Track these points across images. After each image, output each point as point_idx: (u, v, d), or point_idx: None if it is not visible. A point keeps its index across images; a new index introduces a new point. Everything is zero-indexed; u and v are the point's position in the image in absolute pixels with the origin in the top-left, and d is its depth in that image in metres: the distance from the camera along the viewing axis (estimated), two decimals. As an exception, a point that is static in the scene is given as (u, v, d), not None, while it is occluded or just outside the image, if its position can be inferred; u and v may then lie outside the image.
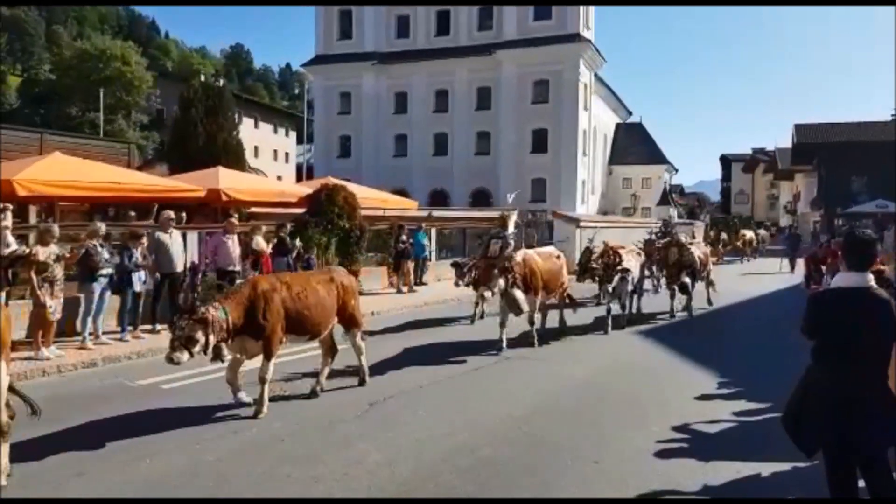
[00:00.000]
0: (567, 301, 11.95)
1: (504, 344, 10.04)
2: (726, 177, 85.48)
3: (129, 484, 5.13)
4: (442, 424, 6.64)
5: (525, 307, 9.96)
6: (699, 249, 14.94)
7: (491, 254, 9.83)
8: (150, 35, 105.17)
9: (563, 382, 8.51)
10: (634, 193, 55.58)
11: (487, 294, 9.68)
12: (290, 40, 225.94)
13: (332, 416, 6.82)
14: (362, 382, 7.99)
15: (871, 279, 3.78)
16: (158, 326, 11.21)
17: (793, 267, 26.12)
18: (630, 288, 12.64)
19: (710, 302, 15.56)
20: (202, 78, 36.56)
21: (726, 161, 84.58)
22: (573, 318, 12.30)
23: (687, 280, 13.34)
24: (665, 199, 54.11)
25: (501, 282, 9.61)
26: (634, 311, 13.70)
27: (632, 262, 12.27)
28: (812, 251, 20.78)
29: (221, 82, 36.41)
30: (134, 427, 6.41)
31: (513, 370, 9.10)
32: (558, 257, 11.53)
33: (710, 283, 15.87)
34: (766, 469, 5.55)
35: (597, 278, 11.41)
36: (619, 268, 11.35)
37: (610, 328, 11.78)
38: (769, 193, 76.95)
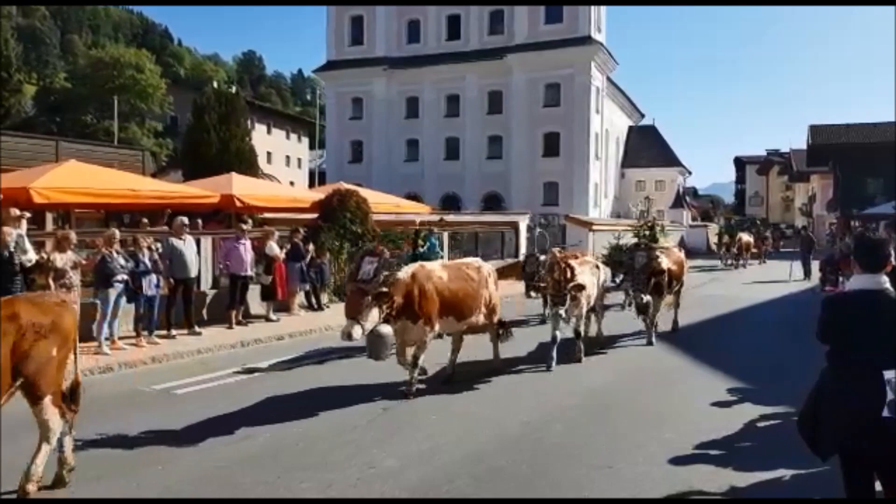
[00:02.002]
0: (498, 329, 9.27)
1: (412, 388, 7.83)
2: (740, 179, 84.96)
3: (143, 489, 5.16)
4: (455, 430, 6.64)
5: (388, 349, 7.40)
6: (671, 257, 12.08)
7: (362, 276, 7.37)
8: (163, 43, 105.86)
9: (575, 388, 8.48)
10: (647, 196, 55.32)
11: (354, 332, 7.04)
12: (302, 47, 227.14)
13: (345, 421, 6.84)
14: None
15: (885, 281, 3.74)
16: (174, 331, 11.29)
17: (807, 272, 24.12)
18: (585, 307, 9.91)
19: (675, 325, 12.54)
20: (215, 85, 36.87)
21: (740, 163, 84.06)
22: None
23: (648, 299, 10.78)
24: (678, 202, 53.89)
25: (375, 313, 7.20)
26: (594, 333, 11.21)
27: (586, 276, 9.72)
28: (828, 254, 20.64)
29: (234, 89, 36.67)
30: (148, 432, 6.45)
31: (526, 377, 9.08)
32: (478, 270, 8.86)
33: (676, 304, 12.80)
34: (780, 473, 5.51)
35: (545, 297, 9.60)
36: (571, 285, 9.00)
37: (554, 361, 9.22)
38: (784, 195, 76.41)
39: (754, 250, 32.27)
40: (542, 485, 5.31)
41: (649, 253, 11.22)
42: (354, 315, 7.09)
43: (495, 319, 9.12)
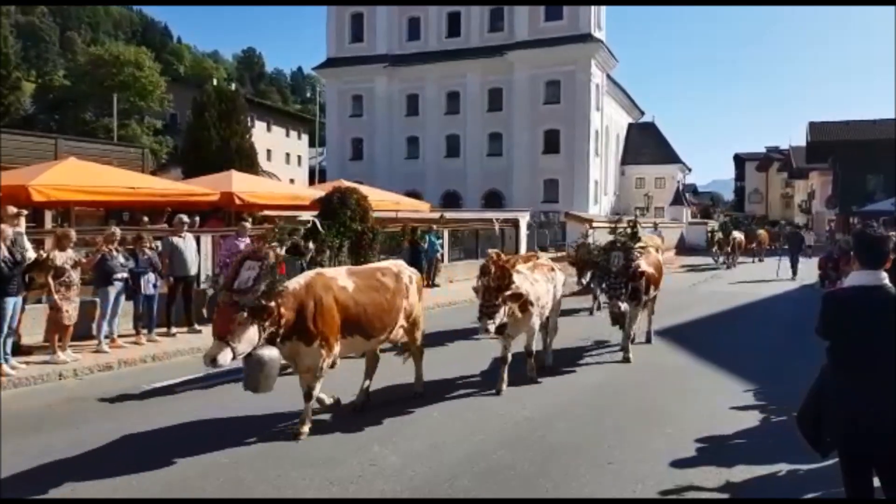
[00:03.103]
0: (405, 348, 7.88)
1: (303, 427, 6.34)
2: (740, 176, 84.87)
3: (144, 488, 5.15)
4: (457, 428, 6.63)
5: (270, 378, 5.89)
6: (648, 260, 10.49)
7: (239, 284, 5.74)
8: (163, 40, 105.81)
9: (577, 386, 8.48)
10: (647, 193, 55.36)
11: (221, 357, 5.48)
12: (302, 44, 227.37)
13: (347, 419, 6.83)
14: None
15: (884, 277, 3.74)
16: (174, 329, 11.29)
17: (794, 271, 23.54)
18: (537, 321, 8.32)
19: (648, 337, 11.17)
20: (215, 82, 36.83)
21: (740, 160, 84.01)
22: (571, 325, 12.14)
23: (624, 307, 9.37)
24: (678, 199, 53.88)
25: (253, 332, 5.65)
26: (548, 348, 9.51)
27: (538, 284, 8.26)
28: (827, 251, 20.60)
29: (234, 86, 36.67)
30: (149, 430, 6.45)
31: (527, 374, 9.06)
32: (396, 277, 7.27)
33: (651, 311, 11.36)
34: (781, 469, 5.52)
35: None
36: (506, 294, 7.34)
37: (505, 384, 7.84)
38: (783, 192, 76.36)
39: (752, 247, 31.83)
40: (545, 482, 5.31)
41: (627, 253, 9.56)
42: (223, 335, 5.53)
43: (418, 335, 7.72)
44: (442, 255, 19.74)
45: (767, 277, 23.14)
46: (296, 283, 6.29)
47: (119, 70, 53.66)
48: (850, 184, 42.46)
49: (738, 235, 29.68)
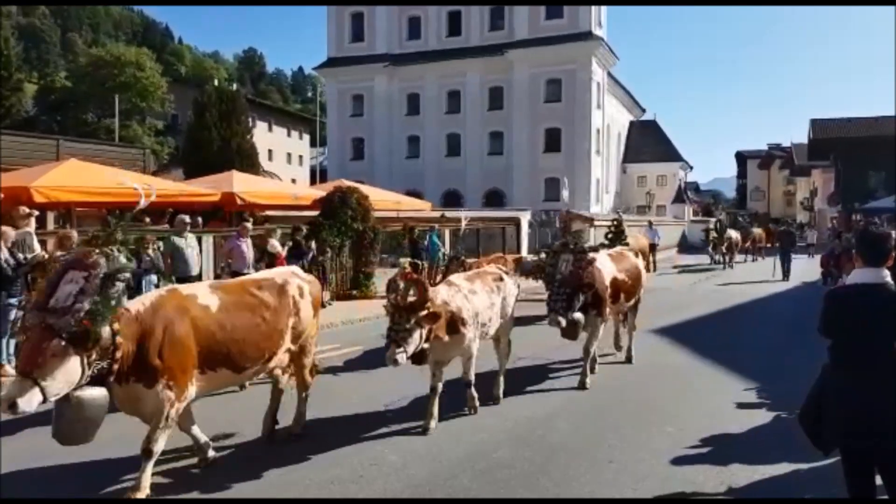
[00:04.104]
0: (299, 379, 6.39)
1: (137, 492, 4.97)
2: (742, 174, 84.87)
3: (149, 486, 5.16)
4: (458, 426, 6.64)
5: (93, 426, 4.57)
6: (621, 264, 9.21)
7: (55, 303, 4.35)
8: (163, 41, 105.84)
9: (578, 384, 8.47)
10: (649, 191, 55.34)
11: (24, 402, 4.09)
12: (303, 44, 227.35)
13: (347, 418, 6.84)
14: None
15: (886, 275, 3.74)
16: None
17: (786, 273, 22.20)
18: (475, 343, 6.83)
19: (628, 355, 9.75)
20: (216, 83, 36.83)
21: (742, 158, 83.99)
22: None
23: (578, 316, 7.86)
24: (680, 197, 53.86)
25: (74, 367, 4.27)
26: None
27: (460, 298, 6.64)
28: (829, 248, 20.55)
29: (235, 87, 36.65)
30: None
31: (529, 373, 9.06)
32: (281, 291, 5.87)
33: (632, 326, 9.99)
34: (782, 468, 5.51)
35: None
36: (419, 315, 5.84)
37: (434, 420, 6.51)
38: (785, 190, 76.33)
39: (748, 246, 30.94)
40: (545, 481, 5.31)
41: (577, 258, 8.01)
42: (29, 369, 4.15)
43: (307, 362, 6.29)
44: (443, 253, 19.73)
45: (762, 278, 22.17)
46: (140, 303, 4.91)
47: (120, 71, 53.75)
48: (851, 181, 42.38)
49: (733, 234, 28.59)
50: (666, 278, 22.58)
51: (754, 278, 22.56)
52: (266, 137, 52.08)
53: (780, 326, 13.23)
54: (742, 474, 5.42)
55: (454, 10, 49.36)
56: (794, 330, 12.11)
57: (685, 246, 38.85)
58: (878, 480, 3.74)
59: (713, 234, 28.23)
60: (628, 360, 9.68)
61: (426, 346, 6.03)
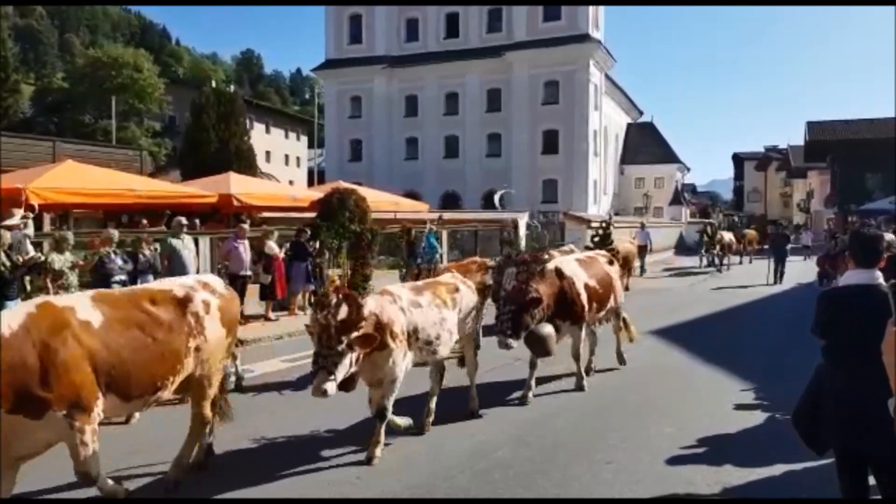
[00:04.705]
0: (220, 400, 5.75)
1: None
2: (739, 175, 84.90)
3: (143, 488, 5.16)
4: (456, 427, 6.64)
5: None
6: (591, 269, 8.43)
7: None
8: (161, 42, 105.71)
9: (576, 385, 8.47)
10: (646, 193, 55.40)
11: None
12: (301, 45, 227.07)
13: (344, 419, 6.83)
14: None
15: (879, 276, 3.75)
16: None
17: (779, 276, 21.42)
18: (399, 366, 5.82)
19: (620, 358, 9.32)
20: (213, 84, 36.84)
21: (738, 159, 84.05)
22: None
23: (548, 330, 7.18)
24: (677, 199, 53.91)
25: None
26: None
27: (396, 311, 5.86)
28: (826, 249, 20.56)
29: (233, 88, 36.68)
30: (146, 431, 6.45)
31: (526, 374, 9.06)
32: (179, 307, 5.05)
33: (620, 326, 9.40)
34: (778, 469, 5.53)
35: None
36: (351, 336, 5.13)
37: (380, 447, 5.80)
38: (782, 192, 76.37)
39: (740, 248, 29.90)
40: (544, 481, 5.31)
41: (525, 268, 7.21)
42: None
43: (209, 393, 5.29)
44: (441, 255, 19.74)
45: (755, 282, 21.24)
46: (6, 326, 4.09)
47: (118, 72, 53.69)
48: (848, 183, 42.49)
49: (726, 236, 27.62)
50: (657, 281, 22.48)
51: (747, 282, 21.52)
52: (264, 139, 52.05)
53: (778, 327, 13.24)
54: (739, 474, 5.43)
55: (452, 11, 49.38)
56: (792, 330, 12.12)
57: (682, 248, 38.87)
58: (872, 481, 3.76)
59: (706, 237, 27.53)
60: (620, 359, 9.30)
61: (354, 369, 5.27)
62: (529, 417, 7.01)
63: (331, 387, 4.99)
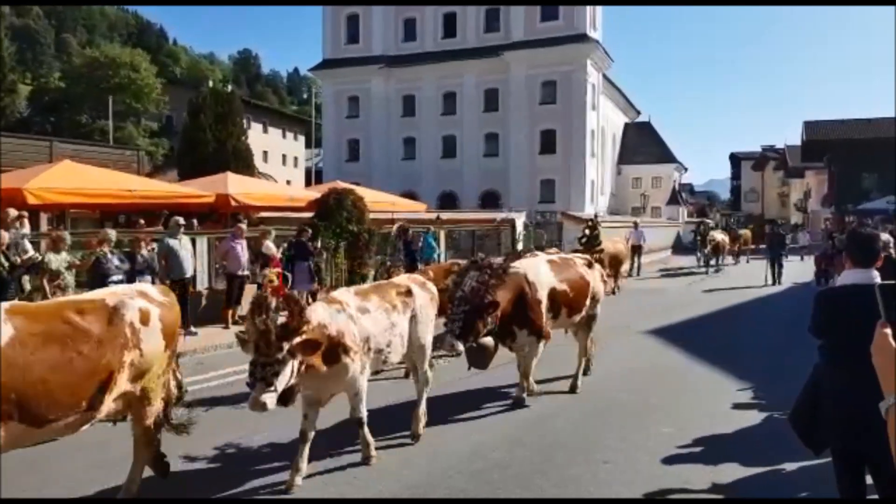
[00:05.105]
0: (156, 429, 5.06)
1: None
2: (736, 175, 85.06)
3: (142, 489, 5.14)
4: (454, 427, 6.64)
5: None
6: (560, 274, 7.75)
7: None
8: (159, 42, 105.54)
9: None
10: (644, 193, 55.46)
11: None
12: (299, 45, 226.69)
13: (341, 420, 6.82)
14: None
15: (876, 276, 3.74)
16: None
17: (777, 277, 20.98)
18: (361, 375, 5.50)
19: (573, 384, 8.18)
20: (211, 84, 36.80)
21: (736, 159, 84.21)
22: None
23: (487, 340, 6.96)
24: (675, 199, 53.97)
25: None
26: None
27: (343, 319, 5.32)
28: (823, 248, 20.57)
29: (230, 88, 36.65)
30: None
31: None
32: (113, 314, 4.45)
33: (583, 346, 8.51)
34: (776, 469, 5.54)
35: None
36: (293, 343, 4.67)
37: (301, 474, 5.26)
38: (780, 191, 76.47)
39: (735, 248, 29.45)
40: (542, 482, 5.31)
41: (489, 272, 6.78)
42: None
43: (149, 412, 4.76)
44: (439, 255, 19.72)
45: (751, 284, 20.67)
46: None
47: (115, 72, 53.65)
48: (845, 182, 42.54)
49: (719, 237, 26.90)
50: (651, 282, 22.41)
51: (743, 283, 21.05)
52: (261, 139, 52.05)
53: (776, 326, 13.26)
54: (737, 474, 5.44)
55: (450, 11, 49.39)
56: (790, 330, 12.13)
57: (680, 247, 38.90)
58: (869, 480, 3.76)
59: (698, 237, 27.03)
60: (572, 389, 8.08)
61: (294, 381, 4.76)
62: (527, 418, 7.00)
63: (270, 399, 4.49)
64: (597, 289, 8.41)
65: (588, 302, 8.18)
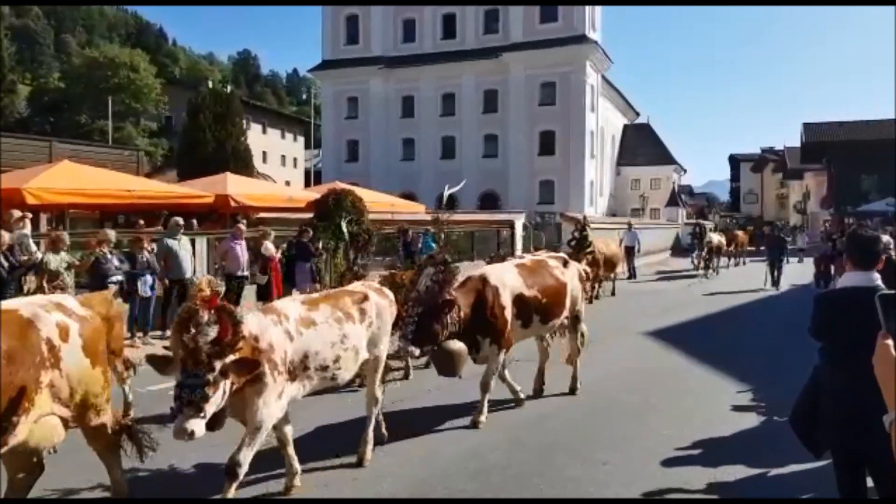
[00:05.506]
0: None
1: None
2: (735, 177, 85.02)
3: (141, 489, 5.14)
4: (451, 428, 6.64)
5: None
6: (530, 279, 7.22)
7: None
8: (158, 43, 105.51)
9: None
10: (643, 194, 55.48)
11: None
12: (298, 46, 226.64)
13: (339, 421, 6.83)
14: None
15: (877, 278, 3.75)
16: (169, 332, 11.28)
17: (776, 280, 20.41)
18: (273, 405, 4.71)
19: (573, 385, 8.02)
20: (210, 84, 36.81)
21: (735, 161, 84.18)
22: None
23: (456, 346, 6.29)
24: (674, 200, 53.97)
25: None
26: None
27: (278, 331, 4.72)
28: (823, 250, 20.53)
29: (229, 88, 36.65)
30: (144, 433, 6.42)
31: (523, 374, 9.05)
32: (27, 329, 3.86)
33: (575, 350, 8.10)
34: (774, 470, 5.54)
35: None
36: (226, 362, 4.12)
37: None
38: (779, 193, 76.46)
39: (730, 250, 28.73)
40: (540, 482, 5.31)
41: (444, 269, 6.28)
42: None
43: (97, 429, 4.42)
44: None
45: (749, 287, 20.20)
46: None
47: (114, 72, 53.72)
48: (844, 184, 42.59)
49: (715, 238, 26.18)
50: (646, 285, 22.26)
51: (742, 286, 20.58)
52: (260, 139, 52.07)
53: (775, 328, 13.26)
54: (735, 475, 5.44)
55: (449, 12, 49.42)
56: (789, 331, 12.13)
57: (679, 249, 38.91)
58: (870, 482, 3.76)
59: (695, 239, 26.57)
60: (571, 390, 7.92)
61: (223, 404, 4.21)
62: (525, 418, 7.01)
63: (199, 426, 3.94)
64: (575, 289, 7.90)
65: (567, 304, 7.65)
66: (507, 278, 6.96)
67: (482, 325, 6.55)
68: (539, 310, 7.19)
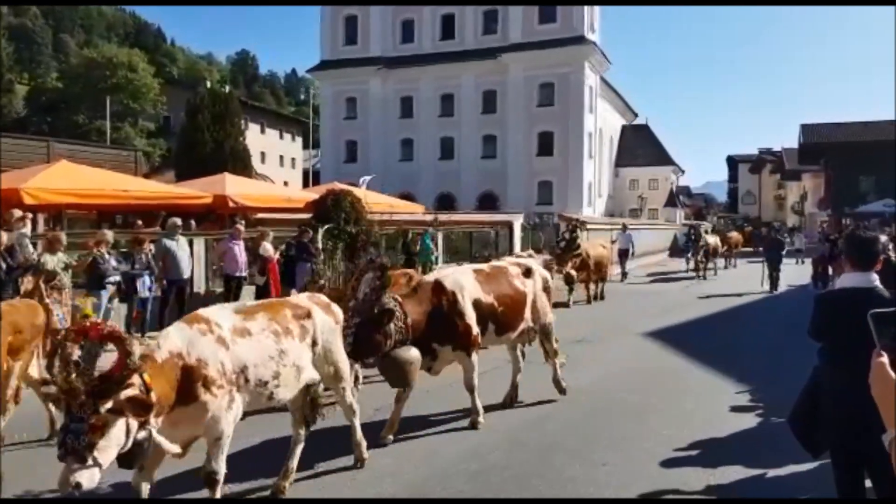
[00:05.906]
0: None
1: None
2: (733, 178, 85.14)
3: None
4: (451, 429, 6.64)
5: None
6: (488, 285, 6.88)
7: None
8: (156, 42, 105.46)
9: (571, 387, 8.43)
10: (641, 195, 55.53)
11: None
12: (297, 46, 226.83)
13: (338, 422, 6.81)
14: None
15: (875, 279, 3.75)
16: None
17: (774, 283, 20.01)
18: (225, 417, 4.29)
19: (558, 386, 7.79)
20: (209, 84, 36.78)
21: (733, 162, 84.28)
22: (573, 326, 12.08)
23: (411, 354, 5.98)
24: (672, 201, 54.03)
25: None
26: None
27: (209, 345, 4.23)
28: (820, 252, 20.52)
29: (228, 89, 36.61)
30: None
31: (522, 374, 9.05)
32: None
33: (552, 350, 7.74)
34: (773, 470, 5.53)
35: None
36: (119, 399, 3.42)
37: None
38: (776, 194, 76.56)
39: (724, 251, 28.17)
40: (539, 482, 5.31)
41: (382, 274, 5.82)
42: None
43: None
44: (436, 256, 19.69)
45: (745, 290, 19.84)
46: None
47: (112, 72, 53.63)
48: (842, 185, 42.64)
49: (710, 240, 25.73)
50: (641, 287, 22.13)
51: (739, 289, 20.23)
52: (259, 140, 52.01)
53: (774, 328, 13.27)
54: (734, 475, 5.44)
55: (448, 13, 49.45)
56: (788, 332, 12.14)
57: (677, 249, 38.93)
58: (868, 483, 3.77)
59: (690, 240, 26.09)
60: (561, 392, 7.71)
61: (143, 435, 3.61)
62: (525, 419, 7.00)
63: (87, 477, 3.27)
64: (539, 299, 7.43)
65: (527, 315, 7.24)
66: (464, 282, 6.66)
67: (439, 333, 6.26)
68: (494, 319, 6.81)
